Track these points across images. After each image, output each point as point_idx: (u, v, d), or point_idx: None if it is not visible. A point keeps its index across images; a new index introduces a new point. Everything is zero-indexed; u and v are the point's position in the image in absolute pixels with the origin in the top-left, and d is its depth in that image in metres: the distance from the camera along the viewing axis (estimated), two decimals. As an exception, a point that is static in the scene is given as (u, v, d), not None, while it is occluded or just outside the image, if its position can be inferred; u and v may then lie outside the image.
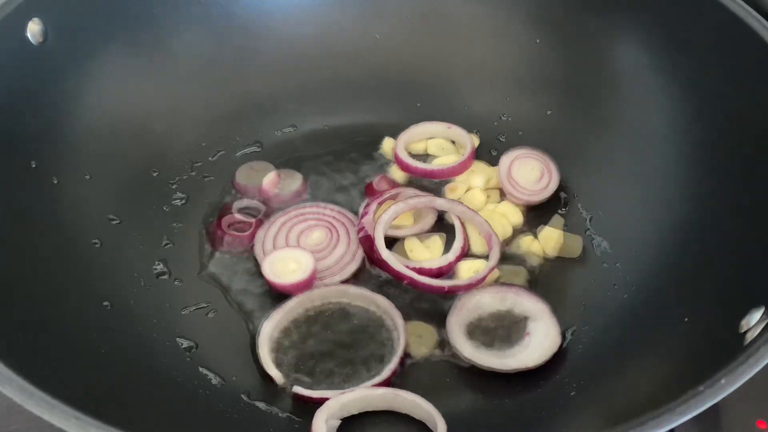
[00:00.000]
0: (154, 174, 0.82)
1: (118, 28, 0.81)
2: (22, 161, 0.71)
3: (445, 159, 0.87)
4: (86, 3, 0.77)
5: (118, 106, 0.81)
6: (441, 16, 0.91)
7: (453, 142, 0.89)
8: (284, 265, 0.75)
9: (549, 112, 0.87)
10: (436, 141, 0.89)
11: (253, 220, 0.80)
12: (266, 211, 0.82)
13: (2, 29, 0.70)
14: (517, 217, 0.82)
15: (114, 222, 0.77)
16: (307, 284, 0.74)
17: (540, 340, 0.70)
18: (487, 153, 0.87)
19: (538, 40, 0.87)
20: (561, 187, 0.84)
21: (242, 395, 0.68)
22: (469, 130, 0.88)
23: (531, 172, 0.84)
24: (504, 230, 0.80)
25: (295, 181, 0.84)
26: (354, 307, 0.74)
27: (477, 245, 0.79)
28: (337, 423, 0.66)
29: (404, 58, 0.91)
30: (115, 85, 0.81)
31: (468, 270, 0.76)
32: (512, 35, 0.87)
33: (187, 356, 0.70)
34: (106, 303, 0.70)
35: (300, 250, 0.76)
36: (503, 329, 0.72)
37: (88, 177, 0.77)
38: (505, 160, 0.84)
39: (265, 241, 0.79)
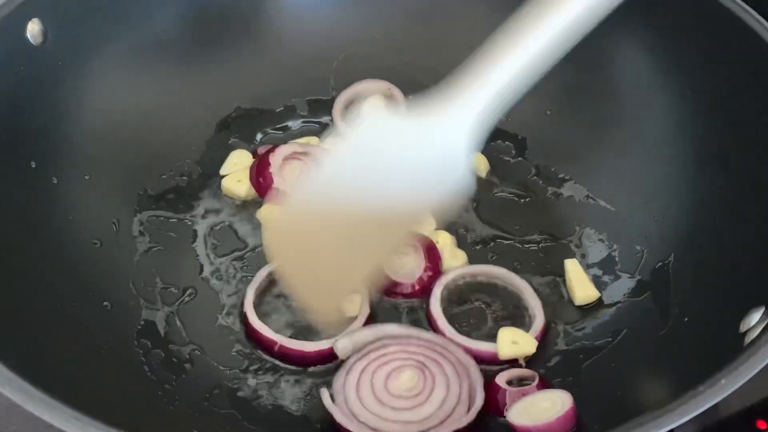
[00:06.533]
0: (155, 174, 0.82)
1: (118, 28, 0.81)
2: (22, 161, 0.71)
3: None
4: (86, 3, 0.77)
5: (119, 106, 0.80)
6: (441, 16, 0.91)
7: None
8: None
9: (548, 112, 0.87)
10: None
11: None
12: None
13: (2, 29, 0.70)
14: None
15: (114, 222, 0.77)
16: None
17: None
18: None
19: (537, 40, 0.87)
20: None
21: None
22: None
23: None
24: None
25: None
26: None
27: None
28: None
29: (404, 58, 0.91)
30: (115, 85, 0.80)
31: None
32: (512, 35, 0.87)
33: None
34: (106, 303, 0.70)
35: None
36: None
37: (87, 177, 0.77)
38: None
39: (346, 392, 0.66)
